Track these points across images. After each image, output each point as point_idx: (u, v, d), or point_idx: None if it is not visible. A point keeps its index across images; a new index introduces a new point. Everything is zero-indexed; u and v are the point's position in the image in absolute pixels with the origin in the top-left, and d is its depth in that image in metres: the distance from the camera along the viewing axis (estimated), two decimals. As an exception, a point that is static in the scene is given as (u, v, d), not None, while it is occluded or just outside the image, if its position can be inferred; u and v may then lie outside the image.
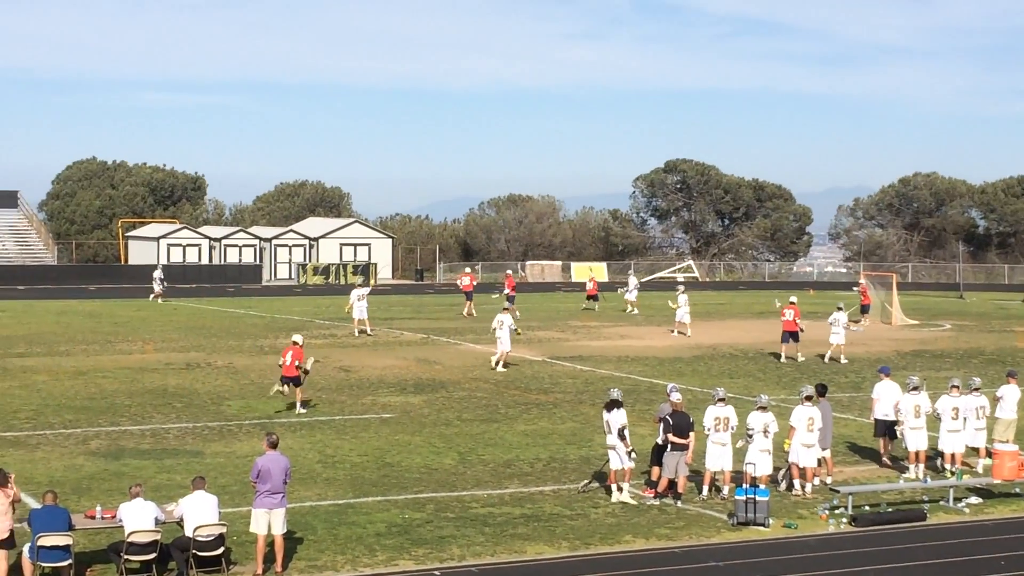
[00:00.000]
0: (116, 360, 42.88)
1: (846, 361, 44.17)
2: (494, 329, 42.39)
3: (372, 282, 76.04)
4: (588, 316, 61.61)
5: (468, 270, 66.98)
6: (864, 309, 58.93)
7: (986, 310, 69.66)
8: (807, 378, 37.56)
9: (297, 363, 33.10)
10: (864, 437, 30.31)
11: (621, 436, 23.59)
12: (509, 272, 67.65)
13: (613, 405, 23.83)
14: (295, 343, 33.77)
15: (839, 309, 46.35)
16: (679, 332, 52.45)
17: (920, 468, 26.07)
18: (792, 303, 46.35)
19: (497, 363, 41.61)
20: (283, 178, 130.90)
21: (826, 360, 44.59)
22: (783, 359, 44.69)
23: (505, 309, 43.55)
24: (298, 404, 33.22)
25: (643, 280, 75.24)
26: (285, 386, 33.38)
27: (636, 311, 63.60)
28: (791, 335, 45.21)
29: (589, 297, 66.96)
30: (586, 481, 24.86)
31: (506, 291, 61.42)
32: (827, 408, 25.86)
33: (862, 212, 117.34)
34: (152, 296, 70.47)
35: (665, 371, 41.07)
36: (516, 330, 42.13)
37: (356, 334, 51.56)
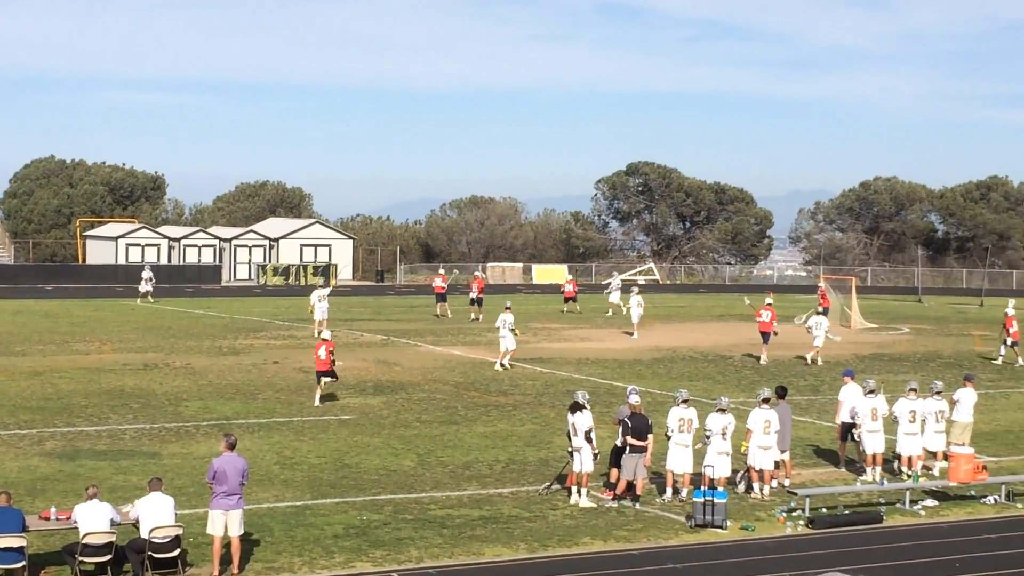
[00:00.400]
0: (73, 360, 42.60)
1: (821, 363, 44.34)
2: (498, 328, 43.09)
3: (333, 282, 75.52)
4: (554, 319, 61.54)
5: (442, 271, 66.68)
6: (823, 312, 59.10)
7: (944, 314, 70.09)
8: (766, 381, 37.69)
9: (332, 353, 34.64)
10: (822, 439, 30.44)
11: (588, 439, 23.59)
12: (477, 274, 67.44)
13: (578, 408, 23.82)
14: (325, 339, 35.16)
15: (819, 313, 46.71)
16: (625, 332, 53.38)
17: (877, 471, 26.20)
18: (768, 304, 46.63)
19: (502, 362, 42.24)
20: (243, 178, 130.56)
21: (808, 362, 44.84)
22: (763, 360, 45.08)
23: (506, 308, 43.93)
24: (317, 398, 34.44)
25: (604, 283, 74.97)
26: (322, 381, 34.63)
27: (622, 312, 63.59)
28: (765, 336, 45.69)
29: (567, 299, 66.47)
30: (547, 484, 24.85)
31: (473, 293, 61.24)
32: (787, 410, 25.94)
33: (823, 216, 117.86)
34: (140, 297, 68.78)
35: (625, 373, 41.12)
36: (514, 329, 42.48)
37: (317, 335, 51.38)
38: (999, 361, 46.52)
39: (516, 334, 42.97)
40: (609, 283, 68.48)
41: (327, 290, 54.23)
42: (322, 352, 34.40)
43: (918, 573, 19.72)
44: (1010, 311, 47.11)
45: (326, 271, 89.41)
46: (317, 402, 34.45)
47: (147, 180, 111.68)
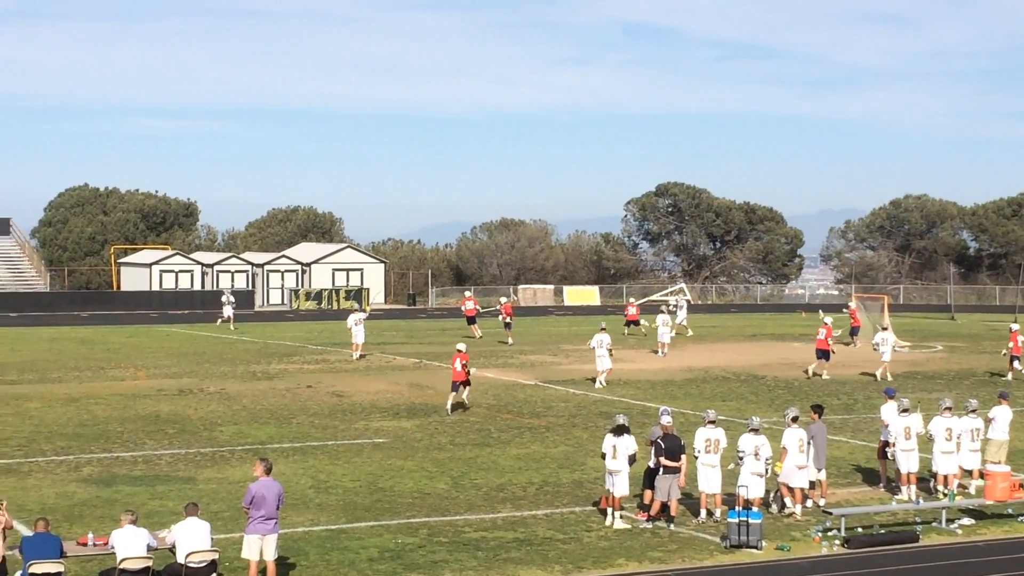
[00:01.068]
0: (108, 387, 42.84)
1: (891, 379, 44.56)
2: (593, 348, 44.08)
3: (367, 307, 75.65)
4: (586, 339, 61.38)
5: (469, 293, 66.69)
6: (854, 331, 59.05)
7: (977, 331, 69.74)
8: (799, 400, 37.60)
9: (465, 365, 37.55)
10: (856, 458, 30.35)
11: (631, 462, 23.60)
12: (504, 299, 67.36)
13: (623, 431, 23.80)
14: (460, 350, 38.24)
15: (884, 329, 47.86)
16: (658, 351, 54.08)
17: (913, 489, 26.10)
18: (826, 323, 47.36)
19: (601, 380, 43.25)
20: (275, 204, 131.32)
21: (877, 378, 45.18)
22: (811, 374, 46.12)
23: (602, 329, 44.80)
24: (448, 406, 37.21)
25: (639, 302, 74.52)
26: (454, 392, 37.39)
27: (689, 333, 63.87)
28: (823, 354, 46.59)
29: (629, 322, 65.81)
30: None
31: (503, 318, 61.30)
32: (822, 428, 25.91)
33: (853, 234, 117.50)
34: (220, 320, 69.17)
35: (657, 394, 41.09)
36: (611, 349, 44.28)
37: (355, 357, 51.67)
38: (1009, 377, 46.36)
39: (611, 354, 43.72)
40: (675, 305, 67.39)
41: (364, 315, 54.49)
42: (457, 364, 37.61)
43: (955, 592, 19.63)
44: (1015, 326, 47.89)
45: (358, 295, 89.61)
46: (448, 410, 36.87)
47: (179, 207, 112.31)
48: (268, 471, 19.73)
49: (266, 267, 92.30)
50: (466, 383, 37.96)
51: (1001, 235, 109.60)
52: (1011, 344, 47.12)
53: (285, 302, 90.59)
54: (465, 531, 23.22)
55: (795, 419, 25.10)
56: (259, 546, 19.20)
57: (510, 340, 59.11)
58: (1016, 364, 46.93)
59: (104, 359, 51.95)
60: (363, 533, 22.98)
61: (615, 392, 41.79)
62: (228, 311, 68.35)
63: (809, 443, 25.32)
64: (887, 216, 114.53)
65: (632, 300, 70.79)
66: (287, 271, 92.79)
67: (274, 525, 19.39)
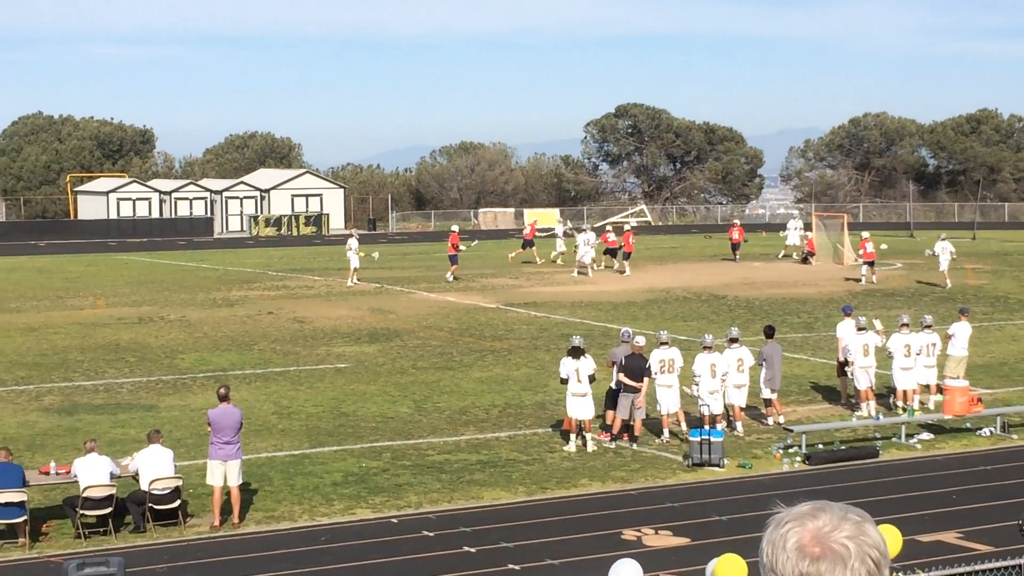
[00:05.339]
0: (68, 316, 42.60)
1: (949, 286, 48.28)
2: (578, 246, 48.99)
3: (469, 244, 65.68)
4: (539, 263, 61.38)
5: (535, 220, 64.06)
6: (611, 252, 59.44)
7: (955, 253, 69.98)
8: (760, 319, 37.76)
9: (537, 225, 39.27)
10: (817, 376, 30.55)
11: (591, 382, 23.61)
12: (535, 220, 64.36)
13: (580, 353, 23.76)
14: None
15: (942, 239, 50.76)
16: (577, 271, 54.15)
17: (872, 405, 26.30)
18: (865, 238, 51.28)
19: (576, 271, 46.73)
20: (233, 130, 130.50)
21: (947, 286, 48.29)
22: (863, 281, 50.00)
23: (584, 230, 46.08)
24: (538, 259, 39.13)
25: (596, 226, 73.87)
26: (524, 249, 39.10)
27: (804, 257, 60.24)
28: (869, 263, 50.60)
29: (526, 242, 61.16)
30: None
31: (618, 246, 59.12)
32: (776, 349, 26.07)
33: (813, 153, 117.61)
34: (351, 277, 52.68)
35: (619, 315, 41.18)
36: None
37: (354, 283, 51.31)
38: (863, 282, 50.02)
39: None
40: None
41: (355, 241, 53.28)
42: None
43: (915, 506, 19.85)
44: (865, 234, 52.59)
45: (318, 221, 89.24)
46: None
47: (136, 134, 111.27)
48: (223, 398, 19.66)
49: (224, 194, 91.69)
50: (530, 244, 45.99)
51: (959, 152, 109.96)
52: (861, 251, 50.99)
53: (244, 228, 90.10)
54: (429, 454, 23.28)
55: (733, 340, 25.23)
56: (222, 472, 19.19)
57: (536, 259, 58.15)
58: (865, 270, 50.83)
59: (62, 288, 51.61)
60: (326, 458, 23.01)
61: (576, 314, 41.86)
62: (355, 260, 52.81)
63: (762, 363, 25.54)
64: (846, 134, 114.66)
65: (534, 221, 68.61)
66: (246, 197, 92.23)
67: (236, 451, 19.37)
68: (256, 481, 21.08)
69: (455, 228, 56.16)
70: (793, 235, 63.41)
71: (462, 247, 53.79)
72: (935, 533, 18.23)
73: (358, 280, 51.63)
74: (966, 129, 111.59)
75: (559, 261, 60.32)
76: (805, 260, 59.26)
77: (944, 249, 49.70)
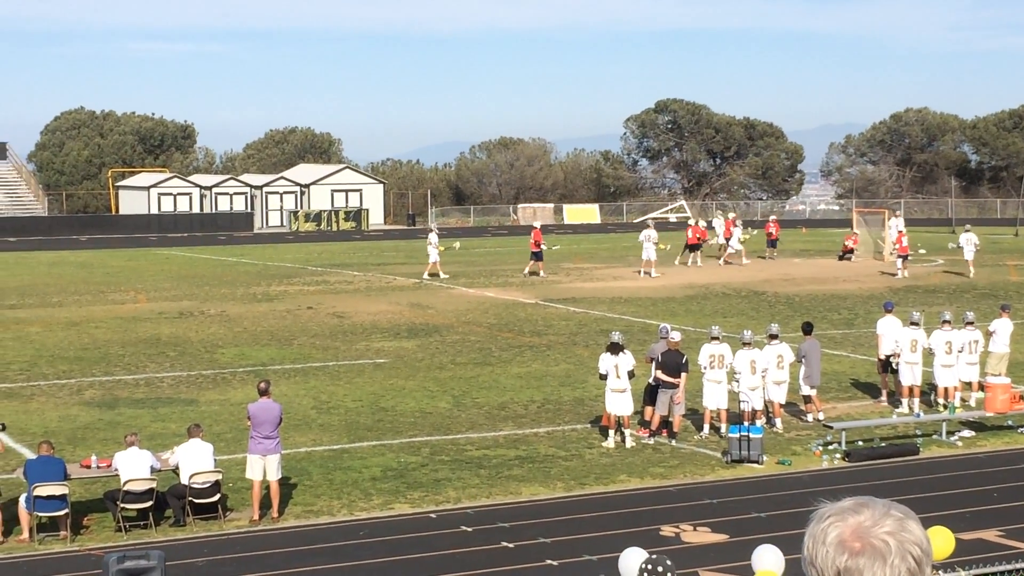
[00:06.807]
0: (109, 310, 42.86)
1: (972, 274, 50.37)
2: (641, 242, 50.85)
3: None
4: (587, 259, 61.30)
5: (701, 223, 61.53)
6: (771, 243, 59.28)
7: (979, 244, 69.50)
8: (800, 315, 37.59)
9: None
10: (857, 373, 30.40)
11: (630, 378, 23.55)
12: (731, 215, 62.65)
13: (618, 349, 23.71)
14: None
15: (967, 231, 52.64)
16: (645, 272, 52.43)
17: (915, 403, 26.15)
18: (901, 231, 52.85)
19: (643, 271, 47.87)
20: (272, 125, 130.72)
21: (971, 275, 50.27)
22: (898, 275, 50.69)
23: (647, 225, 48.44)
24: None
25: (635, 221, 73.41)
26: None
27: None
28: (903, 257, 51.28)
29: (689, 247, 57.78)
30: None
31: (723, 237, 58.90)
32: (814, 345, 25.96)
33: (854, 149, 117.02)
34: (428, 273, 52.77)
35: (658, 311, 41.09)
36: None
37: (431, 276, 51.50)
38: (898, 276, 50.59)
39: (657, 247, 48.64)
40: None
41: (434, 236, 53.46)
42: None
43: (955, 503, 19.72)
44: (903, 228, 54.47)
45: (358, 216, 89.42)
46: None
47: (177, 129, 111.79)
48: (263, 392, 19.75)
49: (264, 189, 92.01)
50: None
51: (1002, 148, 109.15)
52: (897, 245, 52.14)
53: (284, 224, 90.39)
54: (467, 449, 23.30)
55: (773, 336, 25.14)
56: (261, 466, 19.26)
57: (539, 272, 53.41)
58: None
59: (104, 283, 51.92)
60: (365, 452, 23.06)
61: (615, 310, 41.80)
62: (433, 254, 52.92)
63: (801, 360, 25.45)
64: (887, 130, 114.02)
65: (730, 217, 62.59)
66: (286, 192, 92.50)
67: (275, 445, 19.44)
68: (295, 475, 21.15)
69: (537, 224, 55.24)
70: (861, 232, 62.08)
71: (544, 245, 53.39)
72: (976, 531, 18.11)
73: (431, 275, 51.69)
74: (1008, 124, 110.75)
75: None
76: (843, 257, 58.96)
77: (968, 240, 51.66)
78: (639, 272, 52.37)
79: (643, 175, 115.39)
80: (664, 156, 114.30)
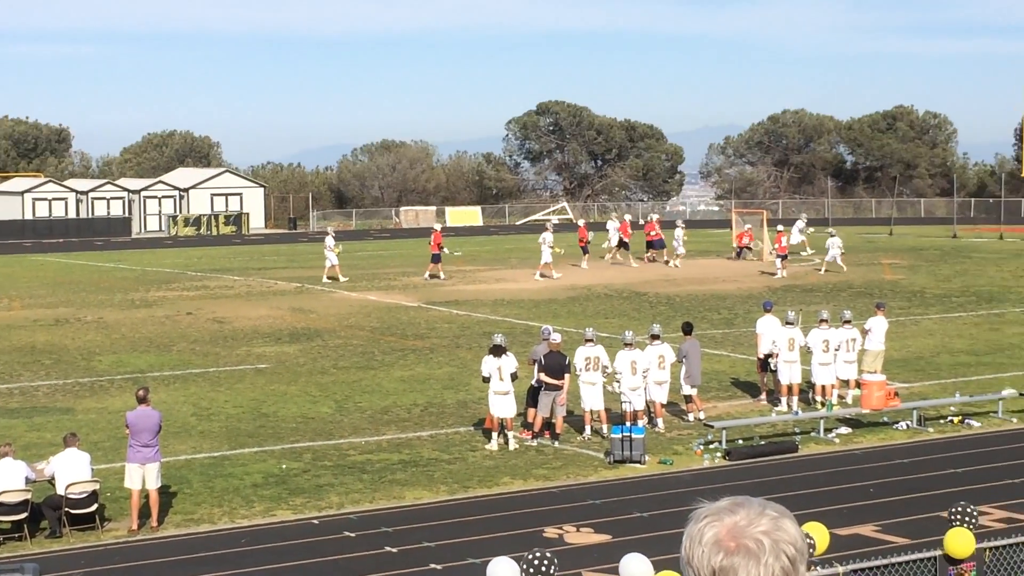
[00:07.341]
0: (-18, 318, 41.95)
1: (845, 269, 52.72)
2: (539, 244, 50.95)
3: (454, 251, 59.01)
4: (469, 261, 61.25)
5: (629, 218, 61.78)
6: (655, 245, 59.17)
7: (854, 244, 70.71)
8: (680, 316, 37.91)
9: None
10: (737, 372, 30.75)
11: (513, 380, 23.59)
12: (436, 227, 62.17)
13: (501, 351, 23.76)
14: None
15: (832, 235, 55.21)
16: (543, 275, 52.45)
17: (794, 400, 26.50)
18: (780, 231, 53.55)
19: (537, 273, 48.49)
20: (151, 128, 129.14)
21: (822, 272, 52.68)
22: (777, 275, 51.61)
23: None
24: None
25: (518, 223, 73.78)
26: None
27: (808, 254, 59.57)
28: (782, 257, 52.53)
29: (619, 244, 58.82)
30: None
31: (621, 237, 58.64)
32: (695, 345, 26.20)
33: (732, 150, 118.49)
34: (327, 274, 52.61)
35: (541, 313, 41.22)
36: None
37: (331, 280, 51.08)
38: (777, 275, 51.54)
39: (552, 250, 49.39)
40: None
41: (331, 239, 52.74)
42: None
43: (833, 499, 20.02)
44: (780, 227, 54.51)
45: (238, 220, 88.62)
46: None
47: (51, 133, 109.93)
48: (141, 400, 19.46)
49: (143, 193, 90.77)
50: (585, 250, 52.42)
51: (876, 149, 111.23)
52: (777, 245, 53.19)
53: (163, 228, 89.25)
54: (350, 454, 23.17)
55: (655, 336, 25.34)
56: (140, 474, 18.98)
57: (440, 275, 53.18)
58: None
59: (-23, 290, 50.80)
60: (247, 459, 22.83)
61: (498, 312, 41.86)
62: (331, 258, 52.63)
63: (682, 360, 25.69)
64: (765, 131, 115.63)
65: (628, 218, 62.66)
66: (164, 197, 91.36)
67: (154, 453, 19.17)
68: (175, 484, 20.87)
69: (437, 227, 55.08)
70: (796, 235, 62.07)
71: (445, 249, 53.30)
72: (853, 526, 18.40)
73: (330, 278, 51.44)
74: (882, 126, 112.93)
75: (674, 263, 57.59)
76: (740, 255, 59.58)
77: (833, 244, 54.35)
78: (536, 275, 52.40)
79: (525, 177, 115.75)
80: (546, 158, 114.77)
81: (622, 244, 58.65)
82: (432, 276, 52.17)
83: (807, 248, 61.06)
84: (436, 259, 52.57)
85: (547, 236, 53.17)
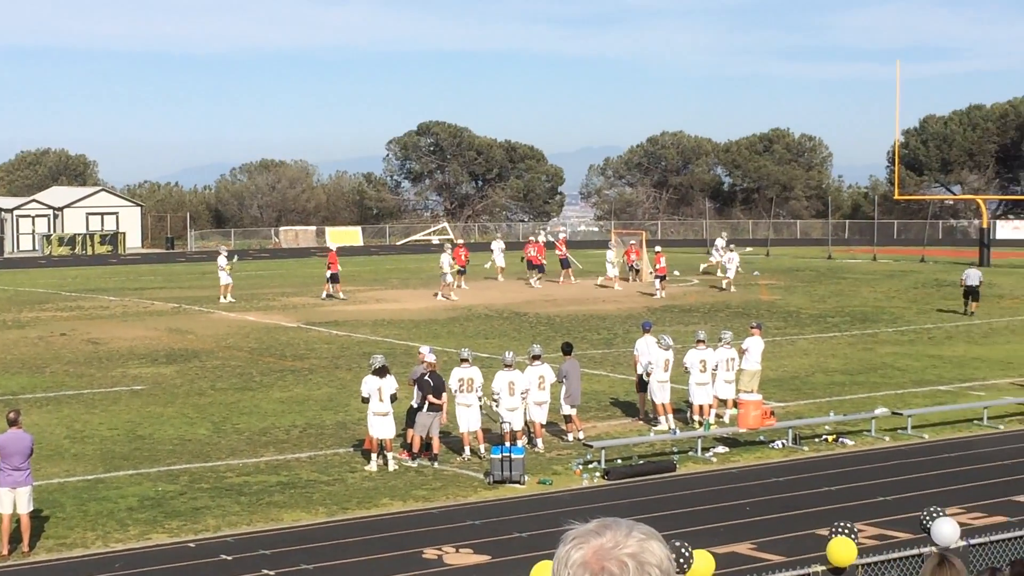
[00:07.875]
0: None
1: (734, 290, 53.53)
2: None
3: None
4: (348, 282, 60.92)
5: (542, 238, 61.85)
6: (536, 267, 58.74)
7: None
8: (561, 336, 38.11)
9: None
10: (616, 392, 30.94)
11: (392, 401, 23.50)
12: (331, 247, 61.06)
13: (384, 372, 23.71)
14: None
15: (731, 250, 57.38)
16: (443, 295, 52.28)
17: (671, 419, 26.73)
18: (658, 252, 53.88)
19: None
20: (24, 146, 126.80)
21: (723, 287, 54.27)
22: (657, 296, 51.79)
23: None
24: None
25: (398, 244, 73.59)
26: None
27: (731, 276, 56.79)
28: (660, 278, 53.06)
29: (533, 266, 58.37)
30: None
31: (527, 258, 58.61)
32: (574, 365, 26.34)
33: (612, 171, 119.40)
34: (223, 294, 51.72)
35: (421, 333, 41.16)
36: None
37: (227, 299, 50.36)
38: (657, 296, 51.81)
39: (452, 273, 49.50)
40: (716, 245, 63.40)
41: (224, 259, 52.04)
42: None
43: (710, 518, 20.21)
44: (658, 249, 55.24)
45: (114, 239, 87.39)
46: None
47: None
48: (12, 423, 19.10)
49: (15, 212, 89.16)
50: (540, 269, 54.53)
51: (753, 170, 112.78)
52: (657, 265, 53.45)
53: (37, 248, 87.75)
54: (227, 476, 22.93)
55: (536, 357, 25.44)
56: (11, 499, 18.61)
57: (340, 294, 53.26)
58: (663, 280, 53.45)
59: None
60: (122, 482, 22.49)
61: (378, 332, 41.72)
62: (224, 277, 51.76)
63: (562, 380, 25.80)
64: (644, 153, 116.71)
65: (535, 240, 61.90)
66: (38, 216, 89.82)
67: (25, 477, 18.81)
68: (47, 508, 20.49)
69: (333, 247, 55.28)
70: (715, 254, 62.67)
71: (340, 267, 53.52)
72: (730, 545, 18.58)
73: (231, 297, 50.92)
74: (759, 148, 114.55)
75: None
76: (631, 269, 59.27)
77: (732, 260, 56.11)
78: (436, 295, 52.26)
79: (406, 197, 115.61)
80: (427, 178, 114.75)
81: (536, 267, 58.14)
82: (329, 296, 52.37)
83: (730, 268, 57.29)
84: (334, 279, 52.72)
85: (446, 258, 52.99)
